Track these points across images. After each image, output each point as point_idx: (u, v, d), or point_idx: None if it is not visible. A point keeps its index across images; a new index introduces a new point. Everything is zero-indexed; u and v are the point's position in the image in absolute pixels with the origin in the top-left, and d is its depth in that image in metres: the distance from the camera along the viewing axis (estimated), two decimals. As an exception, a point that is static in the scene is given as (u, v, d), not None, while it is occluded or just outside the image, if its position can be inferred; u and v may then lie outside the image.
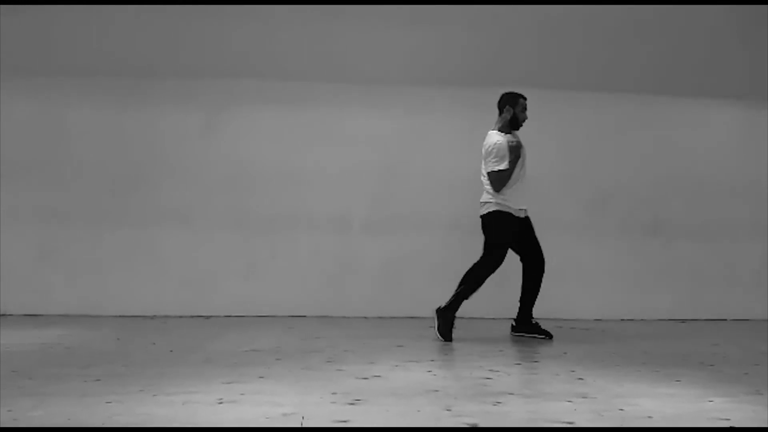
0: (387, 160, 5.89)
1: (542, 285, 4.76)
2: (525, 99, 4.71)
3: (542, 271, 4.73)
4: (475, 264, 4.60)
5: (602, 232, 6.03)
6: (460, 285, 4.59)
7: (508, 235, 4.61)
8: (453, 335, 4.51)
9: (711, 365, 3.77)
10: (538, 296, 4.79)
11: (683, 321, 5.89)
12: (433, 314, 4.62)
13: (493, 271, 4.58)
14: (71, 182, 5.72)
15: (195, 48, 5.84)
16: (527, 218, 4.72)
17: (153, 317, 5.57)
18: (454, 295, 4.58)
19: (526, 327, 4.73)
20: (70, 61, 5.75)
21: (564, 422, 2.47)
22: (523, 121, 4.70)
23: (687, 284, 6.06)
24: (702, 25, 6.12)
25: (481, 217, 4.66)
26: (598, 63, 6.07)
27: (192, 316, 5.63)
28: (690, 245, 6.09)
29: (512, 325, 4.82)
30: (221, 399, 2.76)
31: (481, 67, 5.94)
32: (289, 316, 5.64)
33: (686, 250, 6.09)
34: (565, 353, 4.11)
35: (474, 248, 4.68)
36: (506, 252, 4.61)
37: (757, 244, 6.14)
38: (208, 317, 5.61)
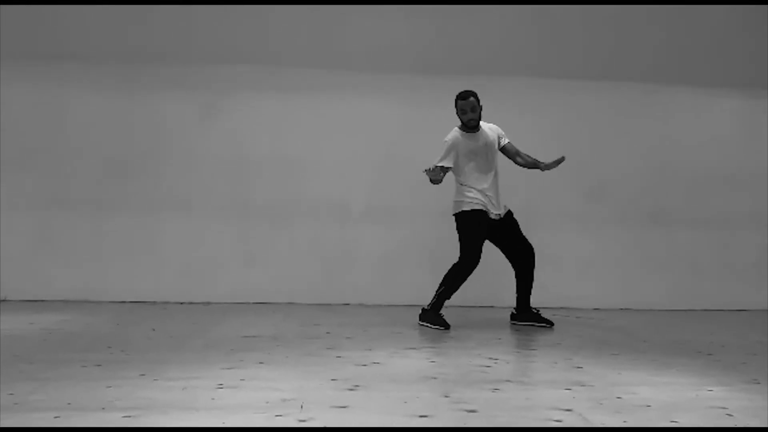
0: (386, 148, 5.89)
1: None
2: (462, 99, 4.55)
3: (532, 264, 4.69)
4: (453, 264, 4.58)
5: (602, 222, 6.04)
6: (440, 286, 4.59)
7: (475, 233, 4.55)
8: (450, 323, 4.53)
9: (709, 354, 3.78)
10: (537, 285, 4.80)
11: (682, 311, 5.91)
12: (418, 320, 4.65)
13: (470, 271, 4.52)
14: (71, 169, 5.72)
15: (195, 35, 5.83)
16: (508, 215, 4.69)
17: (153, 303, 5.59)
18: (435, 296, 4.59)
19: (526, 315, 4.74)
20: (71, 47, 5.73)
21: (562, 410, 2.49)
22: (468, 121, 4.57)
23: (686, 274, 6.08)
24: (704, 15, 6.11)
25: (453, 215, 4.69)
26: (599, 52, 6.06)
27: (192, 303, 5.65)
28: (689, 235, 6.11)
29: (512, 313, 4.83)
30: (221, 384, 2.77)
31: (483, 57, 5.93)
32: (288, 303, 5.66)
33: (685, 240, 6.11)
34: (563, 341, 4.12)
35: (473, 237, 4.68)
36: (479, 249, 4.53)
37: (757, 235, 6.16)
38: (207, 304, 5.63)
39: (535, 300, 4.85)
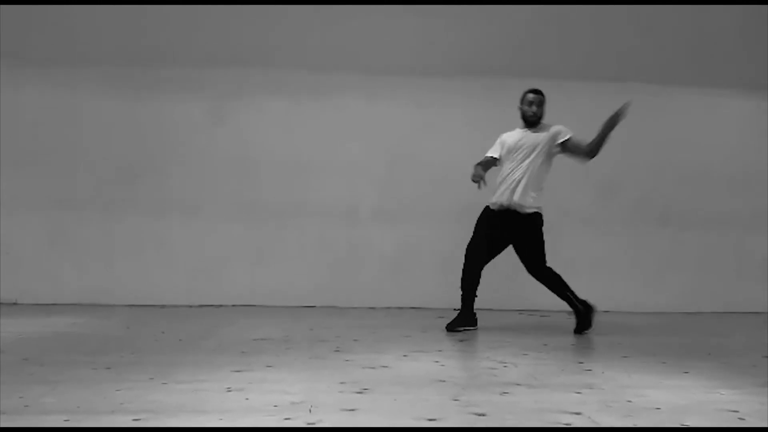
0: (395, 150, 5.89)
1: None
2: (533, 92, 4.62)
3: (549, 286, 4.62)
4: None
5: (610, 223, 6.02)
6: None
7: (478, 226, 4.61)
8: (459, 328, 4.53)
9: (720, 357, 3.76)
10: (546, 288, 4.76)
11: (692, 313, 5.87)
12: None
13: (468, 261, 4.55)
14: (81, 171, 5.75)
15: (204, 37, 5.84)
16: (527, 227, 4.56)
17: (162, 306, 5.61)
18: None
19: (574, 301, 4.65)
20: (81, 49, 5.75)
21: (571, 413, 2.48)
22: (528, 115, 4.60)
23: (696, 276, 6.04)
24: (711, 15, 6.07)
25: None
26: (606, 53, 6.03)
27: (201, 306, 5.66)
28: (699, 237, 6.07)
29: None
30: (230, 387, 2.78)
31: (489, 58, 5.91)
32: (297, 306, 5.66)
33: (695, 241, 6.07)
34: (572, 344, 4.11)
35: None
36: (475, 241, 4.56)
37: (767, 236, 6.10)
38: (217, 306, 5.64)
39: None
